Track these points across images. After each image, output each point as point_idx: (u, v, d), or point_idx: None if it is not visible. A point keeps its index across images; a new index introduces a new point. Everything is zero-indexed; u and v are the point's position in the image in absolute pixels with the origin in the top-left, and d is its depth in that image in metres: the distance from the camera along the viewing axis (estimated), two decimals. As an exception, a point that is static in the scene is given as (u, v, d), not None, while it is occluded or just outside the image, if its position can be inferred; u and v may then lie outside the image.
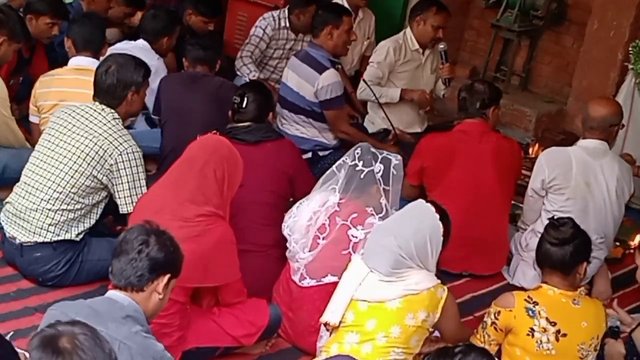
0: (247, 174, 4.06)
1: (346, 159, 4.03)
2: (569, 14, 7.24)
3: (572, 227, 3.73)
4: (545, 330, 3.58)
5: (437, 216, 3.50)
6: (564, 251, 3.66)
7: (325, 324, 3.54)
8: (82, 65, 4.79)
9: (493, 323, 3.66)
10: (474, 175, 4.76)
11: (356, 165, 3.98)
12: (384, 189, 3.96)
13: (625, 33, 6.46)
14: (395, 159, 4.01)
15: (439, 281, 3.48)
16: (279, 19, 6.38)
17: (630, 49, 6.16)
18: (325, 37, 5.39)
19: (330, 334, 3.56)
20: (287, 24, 6.38)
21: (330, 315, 3.50)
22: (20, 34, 4.93)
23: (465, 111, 4.93)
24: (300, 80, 5.41)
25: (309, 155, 5.40)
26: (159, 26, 5.56)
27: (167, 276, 2.96)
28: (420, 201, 3.59)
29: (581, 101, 6.44)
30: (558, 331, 3.58)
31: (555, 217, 3.86)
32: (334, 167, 4.08)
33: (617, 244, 5.12)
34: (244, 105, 4.42)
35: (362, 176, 3.95)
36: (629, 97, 6.11)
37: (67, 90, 4.67)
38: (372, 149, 4.03)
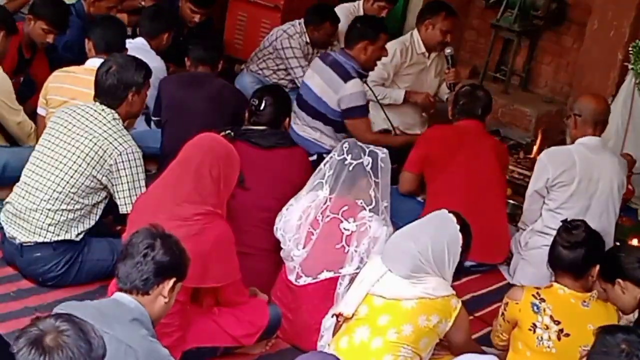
0: (256, 178, 4.08)
1: (334, 154, 4.05)
2: (569, 14, 7.25)
3: (584, 231, 3.72)
4: (547, 327, 3.59)
5: (458, 227, 3.50)
6: (576, 254, 3.66)
7: (338, 315, 3.54)
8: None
9: (502, 314, 3.75)
10: (477, 165, 4.88)
11: (344, 159, 3.99)
12: (374, 181, 3.97)
13: (625, 33, 6.47)
14: (382, 153, 4.03)
15: (454, 292, 3.48)
16: (302, 33, 6.34)
17: (630, 49, 6.17)
18: (359, 51, 5.35)
19: (339, 327, 3.56)
20: (308, 40, 6.36)
21: (344, 306, 3.50)
22: (13, 28, 4.98)
23: (466, 113, 5.03)
24: (324, 86, 5.36)
25: (314, 157, 5.34)
26: (159, 23, 5.53)
27: (173, 280, 2.97)
28: (444, 210, 3.58)
29: (581, 101, 6.45)
30: (561, 330, 3.58)
31: (569, 220, 3.84)
32: (322, 164, 4.09)
33: (617, 244, 5.12)
34: (261, 107, 4.39)
35: (350, 169, 3.97)
36: (629, 97, 6.11)
37: (80, 90, 4.60)
38: (359, 143, 4.05)
